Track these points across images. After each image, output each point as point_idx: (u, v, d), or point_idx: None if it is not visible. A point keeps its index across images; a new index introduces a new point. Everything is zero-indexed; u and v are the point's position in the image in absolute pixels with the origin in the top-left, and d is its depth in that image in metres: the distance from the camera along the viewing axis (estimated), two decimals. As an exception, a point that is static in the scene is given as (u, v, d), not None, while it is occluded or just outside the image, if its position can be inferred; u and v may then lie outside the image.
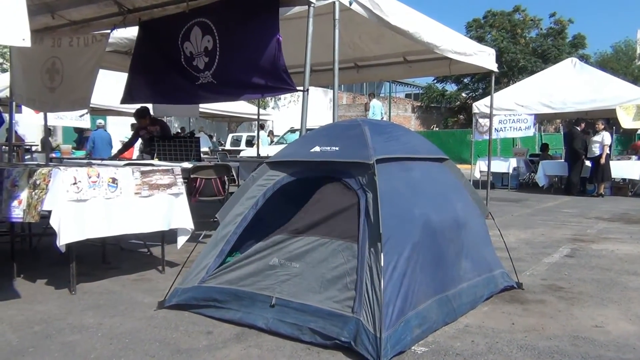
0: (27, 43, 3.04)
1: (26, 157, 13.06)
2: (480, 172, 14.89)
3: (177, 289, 3.77)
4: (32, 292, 4.19)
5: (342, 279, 3.11)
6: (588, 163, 13.09)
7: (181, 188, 4.78)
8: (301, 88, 4.90)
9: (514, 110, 13.71)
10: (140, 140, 8.73)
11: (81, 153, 14.01)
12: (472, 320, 3.54)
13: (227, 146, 22.08)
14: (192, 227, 4.81)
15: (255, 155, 14.00)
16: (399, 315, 2.97)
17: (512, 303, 3.95)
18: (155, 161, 7.23)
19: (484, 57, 8.21)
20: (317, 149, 3.66)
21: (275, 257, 3.41)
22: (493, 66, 8.54)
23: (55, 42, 6.50)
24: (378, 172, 3.30)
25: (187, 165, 6.87)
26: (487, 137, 15.85)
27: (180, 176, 4.83)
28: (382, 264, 2.96)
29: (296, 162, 3.73)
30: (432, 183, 3.82)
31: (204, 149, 19.71)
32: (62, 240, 3.89)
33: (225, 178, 7.24)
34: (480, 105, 14.12)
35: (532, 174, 16.06)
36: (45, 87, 6.64)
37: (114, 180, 4.29)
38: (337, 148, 3.59)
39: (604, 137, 12.75)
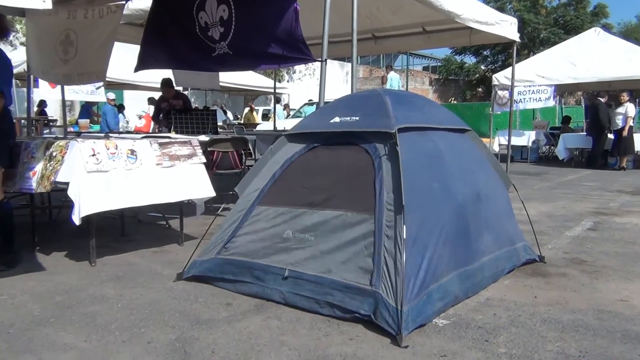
0: (49, 5, 2.98)
1: (45, 132, 13.16)
2: (500, 145, 14.69)
3: (196, 261, 3.76)
4: (53, 264, 4.22)
5: (359, 252, 3.07)
6: (611, 136, 12.83)
7: (202, 158, 4.76)
8: (319, 58, 4.79)
9: (534, 81, 13.44)
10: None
11: (98, 127, 14.07)
12: (494, 294, 3.49)
13: (243, 119, 22.03)
14: (214, 194, 4.80)
15: (272, 129, 13.91)
16: (421, 288, 2.92)
17: (534, 276, 3.89)
18: (172, 134, 7.23)
19: (506, 27, 8.00)
20: (336, 119, 3.60)
21: (289, 230, 3.37)
22: (515, 36, 8.33)
23: (70, 14, 6.43)
24: (400, 142, 3.22)
25: (204, 138, 6.85)
26: (507, 110, 15.67)
27: (199, 147, 4.79)
28: (404, 235, 2.91)
29: (315, 134, 3.67)
30: (455, 154, 3.74)
31: (218, 123, 19.79)
32: (83, 212, 3.89)
33: (243, 151, 7.23)
34: (499, 77, 13.85)
35: (552, 147, 15.82)
36: (60, 59, 6.60)
37: (132, 152, 4.27)
38: (357, 118, 3.52)
39: (628, 109, 12.47)
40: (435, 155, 3.54)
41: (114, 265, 4.22)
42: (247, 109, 21.24)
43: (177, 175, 4.49)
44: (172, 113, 7.53)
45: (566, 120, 16.42)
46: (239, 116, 24.07)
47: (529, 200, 7.57)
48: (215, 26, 5.37)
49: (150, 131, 11.55)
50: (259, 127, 16.58)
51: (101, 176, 4.00)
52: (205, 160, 4.77)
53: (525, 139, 14.91)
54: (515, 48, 8.94)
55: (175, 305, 3.31)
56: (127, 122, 16.22)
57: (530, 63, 14.21)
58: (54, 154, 4.00)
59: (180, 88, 10.43)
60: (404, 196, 3.00)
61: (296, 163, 3.66)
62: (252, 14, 5.11)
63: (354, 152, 3.44)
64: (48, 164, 3.98)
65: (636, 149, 12.75)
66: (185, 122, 7.40)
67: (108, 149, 4.11)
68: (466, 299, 3.33)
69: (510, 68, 10.35)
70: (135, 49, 6.20)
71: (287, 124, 16.28)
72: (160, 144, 4.48)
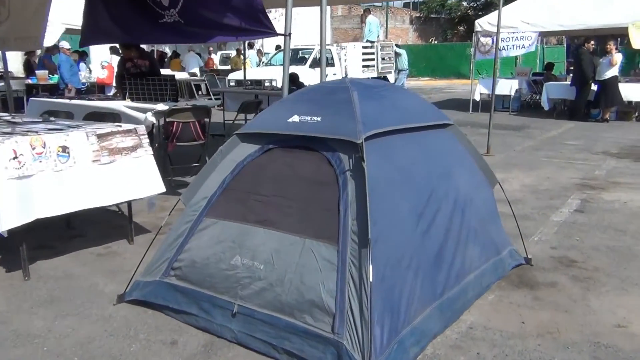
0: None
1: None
2: (481, 94, 14.18)
3: (139, 282, 3.28)
4: (-20, 278, 3.72)
5: (317, 290, 2.61)
6: (595, 86, 12.37)
7: (148, 150, 4.19)
8: (282, 32, 4.17)
9: (517, 27, 12.80)
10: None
11: (56, 79, 13.14)
12: (477, 318, 3.09)
13: (217, 64, 21.01)
14: (164, 189, 4.26)
15: (243, 77, 13.13)
16: (391, 336, 2.50)
17: (521, 288, 3.50)
18: (128, 102, 6.58)
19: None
20: (295, 118, 3.05)
21: (238, 255, 2.89)
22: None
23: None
24: (367, 153, 2.72)
25: (162, 107, 6.24)
26: (489, 57, 15.06)
27: (145, 135, 4.21)
28: (371, 277, 2.45)
29: (271, 134, 3.13)
30: (432, 159, 3.25)
31: (194, 69, 18.81)
32: (4, 225, 3.36)
33: (206, 121, 6.62)
34: (482, 23, 13.16)
35: (534, 95, 15.34)
36: (-8, 18, 5.84)
37: (64, 148, 3.70)
38: (319, 119, 2.98)
39: (615, 58, 11.95)
40: (408, 165, 3.04)
41: (50, 278, 3.72)
42: (233, 53, 20.07)
43: (119, 172, 3.94)
44: (127, 78, 6.83)
45: (549, 66, 15.87)
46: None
47: (511, 168, 7.18)
48: (163, -10, 4.67)
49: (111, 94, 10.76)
50: (231, 76, 15.73)
51: (24, 182, 3.44)
52: (151, 153, 4.19)
53: (507, 87, 14.36)
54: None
55: (111, 347, 2.85)
56: (90, 72, 15.17)
57: (515, 8, 13.46)
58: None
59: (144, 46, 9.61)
60: (371, 227, 2.53)
61: (249, 168, 3.14)
62: (205, -23, 4.42)
63: (315, 161, 2.93)
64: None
65: (621, 99, 12.31)
66: (142, 88, 6.71)
67: (34, 148, 3.53)
68: (446, 329, 2.93)
69: (494, 13, 9.69)
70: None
71: (259, 72, 15.51)
72: (99, 136, 3.89)
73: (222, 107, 10.71)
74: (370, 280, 2.44)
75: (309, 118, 3.01)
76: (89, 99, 6.95)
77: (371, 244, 2.51)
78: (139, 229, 4.64)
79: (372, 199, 2.62)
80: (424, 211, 2.98)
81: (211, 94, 14.48)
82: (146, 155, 4.13)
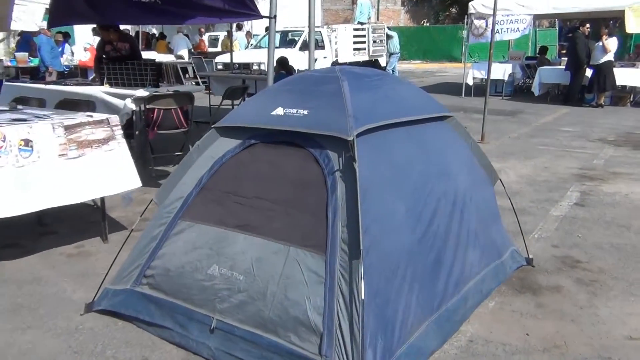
0: None
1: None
2: (474, 78, 13.90)
3: (108, 290, 3.00)
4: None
5: (302, 305, 2.34)
6: (590, 71, 12.11)
7: (121, 142, 3.88)
8: (267, 14, 3.86)
9: (511, 10, 12.50)
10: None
11: (37, 62, 12.68)
12: (477, 329, 2.84)
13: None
14: (140, 184, 3.96)
15: (230, 60, 12.73)
16: (385, 358, 2.24)
17: (523, 293, 3.26)
18: (106, 87, 6.23)
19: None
20: (279, 111, 2.76)
21: (215, 264, 2.61)
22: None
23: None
24: (359, 151, 2.44)
25: (142, 93, 5.91)
26: (482, 41, 14.75)
27: (119, 126, 3.90)
28: (362, 295, 2.18)
29: (253, 128, 2.84)
30: (429, 155, 2.97)
31: (182, 51, 18.28)
32: (-41, 228, 3.06)
33: (189, 107, 6.30)
34: (476, 5, 12.84)
35: (527, 80, 15.08)
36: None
37: (27, 142, 3.38)
38: (305, 112, 2.69)
39: (610, 43, 11.68)
40: (405, 163, 2.76)
41: (15, 282, 3.42)
42: (222, 35, 19.52)
43: (88, 167, 3.63)
44: (105, 62, 6.46)
45: (543, 50, 15.58)
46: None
47: (507, 157, 6.94)
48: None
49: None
50: (218, 58, 15.29)
51: (-19, 181, 3.13)
52: (125, 145, 3.87)
53: (501, 72, 14.06)
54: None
55: (74, 366, 2.58)
56: (72, 55, 14.67)
57: (509, -11, 13.15)
58: None
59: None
60: (362, 236, 2.26)
61: (228, 165, 2.85)
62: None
63: (301, 159, 2.65)
64: None
65: (615, 84, 12.07)
66: (121, 73, 6.36)
67: (-8, 141, 3.21)
68: (445, 343, 2.68)
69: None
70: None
71: (247, 55, 15.09)
72: (67, 128, 3.58)
73: (210, 92, 10.35)
74: (362, 297, 2.17)
75: (294, 111, 2.71)
76: (66, 84, 6.58)
77: (363, 254, 2.24)
78: (115, 225, 4.35)
79: (364, 203, 2.36)
80: (421, 214, 2.71)
81: (198, 78, 14.10)
82: (119, 147, 3.82)
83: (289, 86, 2.99)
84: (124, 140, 3.86)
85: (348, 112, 2.56)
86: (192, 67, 15.04)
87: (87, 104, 4.77)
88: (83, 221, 4.47)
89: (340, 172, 2.49)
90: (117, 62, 6.45)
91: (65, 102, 5.08)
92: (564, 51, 18.18)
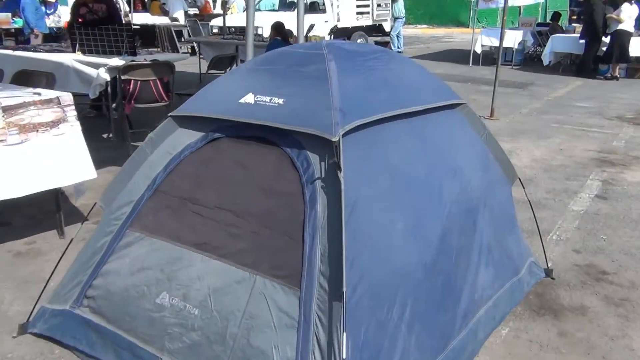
0: None
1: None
2: (482, 45, 13.16)
3: (45, 309, 2.49)
4: None
5: (268, 356, 1.83)
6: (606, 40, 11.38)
7: (74, 124, 3.31)
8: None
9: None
10: None
11: (21, 22, 11.96)
12: (488, 367, 2.35)
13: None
14: (95, 175, 3.41)
15: (223, 24, 12.00)
16: None
17: (542, 316, 2.74)
18: (78, 55, 5.63)
19: None
20: (249, 98, 2.20)
21: (165, 291, 2.10)
22: None
23: None
24: (346, 155, 1.90)
25: (117, 62, 5.32)
26: (493, 6, 13.98)
27: (72, 106, 3.33)
28: (344, 351, 1.67)
29: (217, 119, 2.29)
30: (436, 153, 2.41)
31: (178, 12, 17.42)
32: None
33: (170, 79, 5.70)
34: (487, -32, 12.04)
35: (538, 48, 14.32)
36: None
37: (-45, 125, 2.83)
38: (281, 101, 2.13)
39: (627, 10, 10.92)
40: (405, 165, 2.21)
41: (-55, 289, 2.93)
42: None
43: (33, 154, 3.08)
44: (76, 27, 5.83)
45: (556, 16, 14.78)
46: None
47: (518, 136, 6.37)
48: None
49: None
50: (213, 22, 14.51)
51: None
52: (78, 129, 3.31)
53: (511, 39, 13.31)
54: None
55: (-10, 413, 2.09)
56: (59, 17, 13.89)
57: (523, -49, 12.33)
58: None
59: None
60: (347, 271, 1.73)
61: (186, 164, 2.32)
62: None
63: (274, 161, 2.11)
64: None
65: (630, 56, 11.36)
66: (94, 39, 5.73)
67: None
68: (448, 387, 2.18)
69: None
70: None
71: (244, 19, 14.22)
72: (6, 109, 3.01)
73: (202, 57, 9.68)
74: (344, 356, 1.65)
75: (267, 99, 2.15)
76: (36, 50, 5.96)
77: (346, 296, 1.71)
78: (76, 215, 3.83)
79: (350, 223, 1.83)
80: (426, 231, 2.18)
81: (194, 44, 13.30)
82: (72, 131, 3.27)
83: (265, 65, 2.40)
84: (77, 123, 3.29)
85: (334, 104, 2.00)
86: (188, 31, 14.30)
87: (46, 76, 4.19)
88: (42, 211, 3.94)
89: (321, 180, 1.95)
90: (93, 26, 5.83)
91: (22, 74, 4.48)
92: (575, 17, 17.30)
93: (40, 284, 2.84)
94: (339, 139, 1.89)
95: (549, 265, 3.16)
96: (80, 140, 3.31)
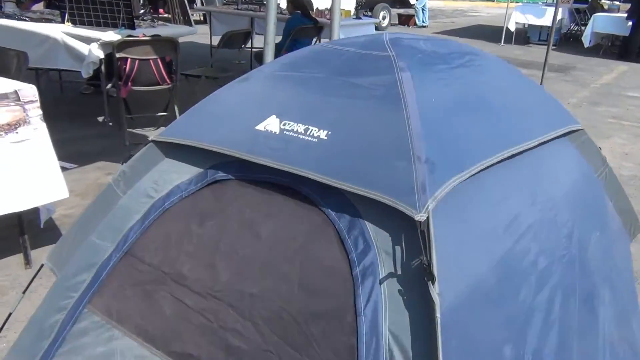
0: None
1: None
2: (516, 23, 12.15)
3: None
4: None
5: None
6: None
7: (39, 127, 2.53)
8: None
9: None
10: None
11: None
12: None
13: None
14: (66, 195, 2.64)
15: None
16: None
17: None
18: (67, 26, 4.83)
19: None
20: (272, 123, 1.41)
21: None
22: None
23: None
24: (437, 236, 1.11)
25: (111, 37, 4.53)
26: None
27: (36, 103, 2.53)
28: None
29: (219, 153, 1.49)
30: (550, 210, 1.60)
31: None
32: None
33: (173, 57, 4.87)
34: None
35: (576, 27, 13.29)
36: None
37: None
38: (324, 134, 1.33)
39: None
40: (509, 242, 1.41)
41: None
42: None
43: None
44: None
45: (597, -7, 13.69)
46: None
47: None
48: None
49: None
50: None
51: None
52: (45, 132, 2.52)
53: (548, 17, 12.28)
54: None
55: None
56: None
57: None
58: None
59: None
60: None
61: (173, 216, 1.53)
62: None
63: (307, 229, 1.33)
64: None
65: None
66: (86, 8, 4.91)
67: None
68: None
69: None
70: None
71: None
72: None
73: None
74: None
75: (301, 128, 1.36)
76: (20, 18, 5.15)
77: None
78: (48, 233, 3.08)
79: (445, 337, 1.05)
80: (538, 340, 1.39)
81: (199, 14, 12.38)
82: (36, 137, 2.48)
83: (295, 71, 1.58)
84: (43, 125, 2.50)
85: (414, 147, 1.20)
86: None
87: (17, 56, 3.38)
88: (4, 231, 3.17)
89: (392, 277, 1.16)
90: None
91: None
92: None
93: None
94: (428, 216, 1.09)
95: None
96: (48, 148, 2.53)
